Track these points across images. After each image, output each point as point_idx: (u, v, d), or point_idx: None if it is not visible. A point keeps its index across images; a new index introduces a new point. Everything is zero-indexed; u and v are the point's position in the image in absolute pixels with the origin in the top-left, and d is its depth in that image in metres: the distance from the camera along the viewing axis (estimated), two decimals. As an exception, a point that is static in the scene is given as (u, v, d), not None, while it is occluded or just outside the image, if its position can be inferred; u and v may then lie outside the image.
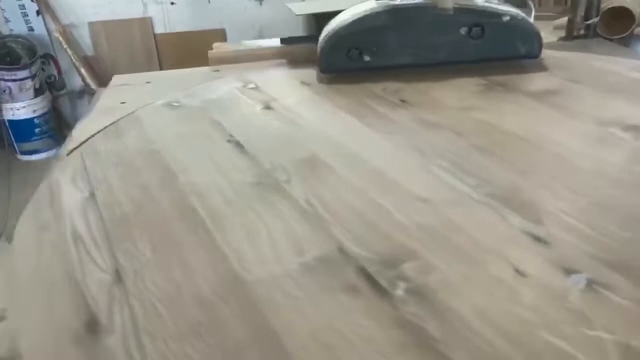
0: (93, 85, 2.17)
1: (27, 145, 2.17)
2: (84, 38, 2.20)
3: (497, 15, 0.81)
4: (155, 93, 0.84)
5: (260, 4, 2.11)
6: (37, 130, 2.15)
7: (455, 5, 0.80)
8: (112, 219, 0.48)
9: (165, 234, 0.45)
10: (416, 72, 0.83)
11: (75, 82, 2.26)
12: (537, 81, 0.83)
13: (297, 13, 0.88)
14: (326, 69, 0.84)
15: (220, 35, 2.12)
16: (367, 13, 0.81)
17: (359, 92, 0.80)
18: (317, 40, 0.96)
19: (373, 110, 0.73)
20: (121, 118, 0.73)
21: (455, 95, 0.78)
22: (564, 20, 1.12)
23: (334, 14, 0.88)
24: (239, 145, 0.63)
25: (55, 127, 2.25)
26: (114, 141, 0.66)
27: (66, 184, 0.55)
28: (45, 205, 0.51)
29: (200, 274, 0.40)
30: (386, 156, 0.61)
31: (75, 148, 0.65)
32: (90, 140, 0.67)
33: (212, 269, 0.40)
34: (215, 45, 1.22)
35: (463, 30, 0.81)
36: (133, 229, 0.46)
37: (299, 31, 2.18)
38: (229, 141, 0.64)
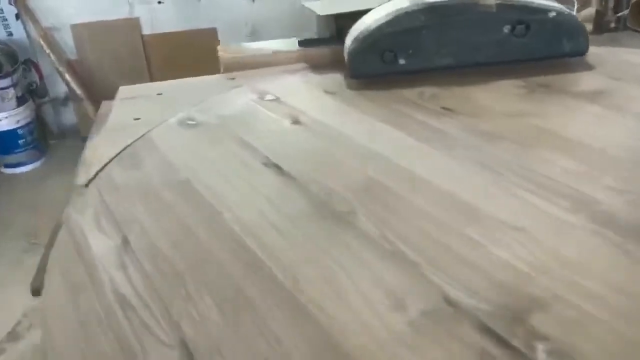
0: (78, 91, 2.06)
1: (11, 158, 2.05)
2: (67, 41, 2.09)
3: (543, 11, 0.75)
4: (168, 106, 0.76)
5: (253, 1, 2.02)
6: (21, 141, 2.04)
7: (498, 1, 0.74)
8: (158, 273, 0.40)
9: (228, 289, 0.38)
10: (449, 74, 0.76)
11: (58, 88, 2.15)
12: (581, 80, 0.78)
13: (320, 13, 0.81)
14: (357, 74, 0.77)
15: (212, 34, 2.03)
16: (404, 12, 0.74)
17: (393, 99, 0.73)
18: (339, 41, 0.89)
19: (416, 120, 0.67)
20: (134, 141, 0.65)
21: (499, 100, 0.72)
22: (587, 12, 1.07)
23: (359, 13, 0.81)
24: (278, 169, 0.56)
25: (40, 137, 2.14)
26: (133, 171, 0.58)
27: (90, 228, 0.47)
28: (73, 258, 0.43)
29: (290, 344, 0.32)
30: (451, 175, 0.54)
31: (91, 180, 0.57)
32: (105, 170, 0.59)
33: (301, 337, 0.33)
34: (221, 48, 1.14)
35: (506, 28, 0.75)
36: (187, 285, 0.38)
37: (295, 31, 2.10)
38: (265, 164, 0.57)
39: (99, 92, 2.04)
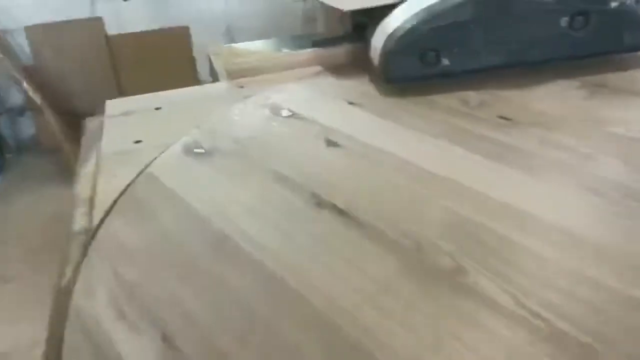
0: (37, 100, 1.88)
1: (-35, 176, 1.86)
2: (22, 45, 1.90)
3: (604, 1, 0.65)
4: (170, 124, 0.63)
5: (227, -4, 1.89)
6: (-25, 157, 1.85)
7: (555, -10, 0.64)
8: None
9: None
10: (492, 77, 0.66)
11: (14, 97, 1.95)
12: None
13: (345, 9, 0.69)
14: (393, 79, 0.66)
15: (184, 33, 1.88)
16: (450, 4, 0.63)
17: (435, 108, 0.62)
18: (358, 40, 0.78)
19: (474, 134, 0.56)
20: (139, 174, 0.52)
21: (561, 104, 0.62)
22: None
23: (388, 7, 0.70)
24: (338, 211, 0.44)
25: (-5, 150, 1.95)
26: (148, 224, 0.44)
27: (109, 319, 0.34)
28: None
29: None
30: (556, 205, 0.43)
31: (94, 234, 0.44)
32: (110, 221, 0.46)
33: None
34: (214, 50, 1.01)
35: (564, 21, 0.65)
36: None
37: (275, 29, 1.98)
38: (319, 205, 0.45)
39: (60, 101, 1.86)
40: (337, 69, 0.76)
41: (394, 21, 0.67)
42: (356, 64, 0.77)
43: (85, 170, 0.58)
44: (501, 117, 0.59)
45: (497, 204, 0.43)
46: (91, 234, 0.43)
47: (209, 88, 0.74)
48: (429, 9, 0.64)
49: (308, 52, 0.78)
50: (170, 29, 1.84)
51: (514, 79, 0.66)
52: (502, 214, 0.42)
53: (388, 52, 0.65)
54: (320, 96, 0.68)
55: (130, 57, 1.87)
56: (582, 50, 0.67)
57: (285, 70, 0.77)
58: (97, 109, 0.70)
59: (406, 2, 0.69)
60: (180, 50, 1.88)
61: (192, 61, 1.91)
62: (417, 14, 0.65)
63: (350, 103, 0.65)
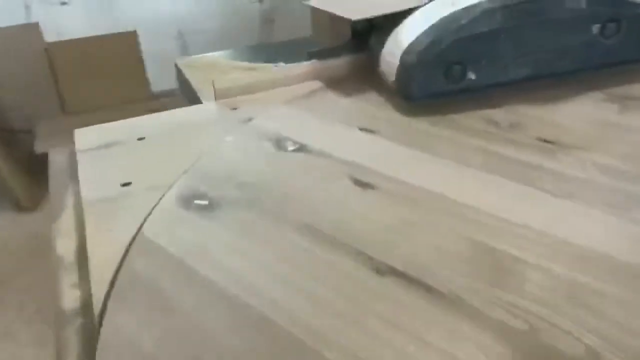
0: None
1: None
2: (-55, 55, 1.69)
3: (637, 6, 0.60)
4: (159, 159, 0.53)
5: (178, -2, 1.75)
6: None
7: (587, -6, 0.58)
8: None
9: None
10: (510, 90, 0.60)
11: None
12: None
13: (353, 18, 0.61)
14: (415, 96, 0.58)
15: (131, 39, 1.74)
16: (479, 11, 0.56)
17: (462, 132, 0.54)
18: (357, 50, 0.70)
19: (515, 161, 0.49)
20: (133, 241, 0.41)
21: (600, 123, 0.57)
22: None
23: (398, 15, 0.62)
24: (406, 279, 0.35)
25: None
26: (159, 319, 0.33)
27: None
28: None
29: None
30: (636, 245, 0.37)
31: (98, 331, 0.34)
32: (109, 310, 0.35)
33: None
34: (186, 62, 0.90)
35: (595, 28, 0.60)
36: None
37: (233, 31, 1.86)
38: (378, 272, 0.35)
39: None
40: (338, 85, 0.67)
41: (411, 31, 0.59)
42: (358, 77, 0.69)
43: (63, 223, 0.47)
44: (540, 139, 0.53)
45: (597, 256, 0.36)
46: (95, 327, 0.33)
47: (197, 111, 0.64)
48: (452, 18, 0.57)
49: (305, 66, 0.69)
50: (116, 35, 1.69)
51: (536, 92, 0.60)
52: (604, 269, 0.35)
53: (409, 67, 0.57)
54: (327, 122, 0.59)
55: (72, 67, 1.70)
56: (613, 58, 0.62)
57: (280, 86, 0.67)
58: (35, 126, 0.58)
59: (419, 10, 0.62)
60: (128, 58, 1.74)
61: (141, 69, 1.77)
62: (438, 23, 0.57)
63: (364, 129, 0.56)
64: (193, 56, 0.92)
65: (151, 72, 1.79)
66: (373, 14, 0.61)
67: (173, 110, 0.63)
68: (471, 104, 0.59)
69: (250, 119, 0.59)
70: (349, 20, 0.68)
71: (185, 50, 1.81)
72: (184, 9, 1.77)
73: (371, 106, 0.62)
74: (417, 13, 0.61)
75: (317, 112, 0.61)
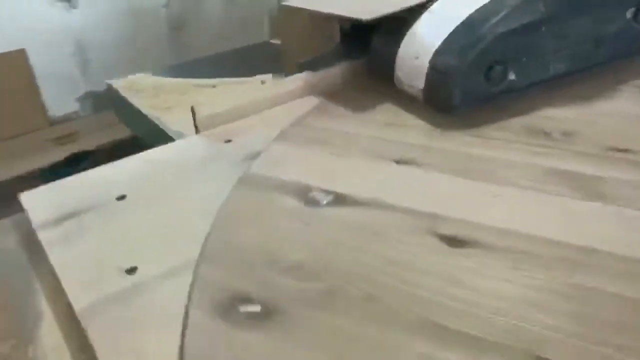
0: None
1: None
2: None
3: (666, -16, 0.55)
4: (157, 232, 0.39)
5: (71, 8, 1.52)
6: None
7: (621, -25, 0.52)
8: None
9: None
10: (547, 90, 0.52)
11: None
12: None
13: (364, 19, 0.50)
14: (457, 104, 0.49)
15: (20, 58, 1.49)
16: (517, 2, 0.47)
17: (513, 148, 0.45)
18: (349, 56, 0.59)
19: (608, 180, 0.41)
20: None
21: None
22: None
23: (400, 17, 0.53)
24: None
25: None
26: None
27: None
28: None
29: None
30: None
31: None
32: None
33: None
34: (129, 81, 0.75)
35: (630, 12, 0.54)
36: None
37: (139, 40, 1.65)
38: None
39: None
40: (340, 98, 0.56)
41: (437, 28, 0.49)
42: (357, 87, 0.59)
43: (45, 347, 0.32)
44: (616, 149, 0.45)
45: None
46: None
47: (180, 150, 0.49)
48: (488, 10, 0.48)
49: (298, 79, 0.57)
50: (1, 55, 1.44)
51: (570, 89, 0.53)
52: None
53: (447, 71, 0.48)
54: (350, 155, 0.46)
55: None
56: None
57: (273, 106, 0.55)
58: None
59: (438, 3, 0.52)
60: (18, 80, 1.49)
61: (35, 92, 1.53)
62: (473, 17, 0.48)
63: (400, 162, 0.44)
64: (130, 77, 0.76)
65: (47, 95, 1.55)
66: (386, 11, 0.51)
67: (149, 152, 0.49)
68: (505, 112, 0.50)
69: (252, 156, 0.46)
70: (337, 23, 0.57)
71: (85, 67, 1.59)
72: (80, 19, 1.55)
73: (394, 127, 0.51)
74: (435, 6, 0.52)
75: (332, 142, 0.48)
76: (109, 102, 0.78)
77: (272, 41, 0.81)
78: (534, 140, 0.46)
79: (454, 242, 0.35)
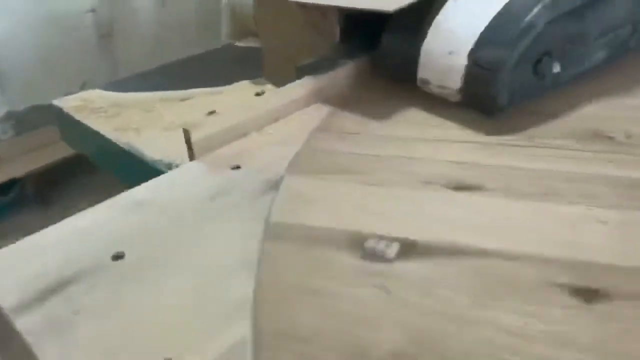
0: None
1: None
2: None
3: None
4: (166, 306, 0.29)
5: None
6: None
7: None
8: None
9: None
10: (584, 81, 0.46)
11: None
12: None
13: (390, 9, 0.42)
14: (505, 104, 0.42)
15: None
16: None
17: (580, 158, 0.38)
18: (352, 55, 0.52)
19: None
20: None
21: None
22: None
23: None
24: None
25: None
26: None
27: None
28: None
29: None
30: None
31: None
32: None
33: None
34: (80, 99, 0.63)
35: (662, -7, 0.49)
36: None
37: (63, 49, 1.48)
38: None
39: None
40: (354, 106, 0.48)
41: (469, 18, 0.42)
42: (365, 88, 0.51)
43: None
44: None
45: None
46: None
47: (183, 182, 0.39)
48: (530, -8, 0.41)
49: (301, 86, 0.48)
50: None
51: (608, 79, 0.48)
52: None
53: (493, 66, 0.40)
54: (393, 183, 0.37)
55: None
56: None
57: (277, 120, 0.46)
58: None
59: (461, -11, 0.45)
60: None
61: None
62: (513, 3, 0.41)
63: (460, 188, 0.36)
64: (81, 93, 0.64)
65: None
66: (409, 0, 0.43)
67: (137, 188, 0.38)
68: (547, 112, 0.44)
69: (271, 184, 0.37)
70: (333, 13, 0.49)
71: (2, 84, 1.41)
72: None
73: (429, 141, 0.42)
74: (460, -6, 0.45)
75: (360, 168, 0.39)
76: (35, 122, 0.66)
77: (238, 44, 0.72)
78: (598, 147, 0.40)
79: (589, 296, 0.27)
